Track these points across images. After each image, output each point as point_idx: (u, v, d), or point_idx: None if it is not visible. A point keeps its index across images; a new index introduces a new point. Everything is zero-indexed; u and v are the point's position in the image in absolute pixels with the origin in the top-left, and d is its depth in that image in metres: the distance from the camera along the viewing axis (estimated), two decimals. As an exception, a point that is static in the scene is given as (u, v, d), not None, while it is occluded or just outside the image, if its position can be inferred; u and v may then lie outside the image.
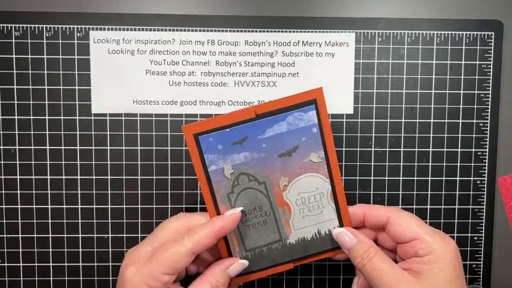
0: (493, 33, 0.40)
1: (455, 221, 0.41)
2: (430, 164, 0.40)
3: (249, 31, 0.39)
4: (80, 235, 0.40)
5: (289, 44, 0.39)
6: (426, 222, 0.40)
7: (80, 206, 0.40)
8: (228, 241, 0.35)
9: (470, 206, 0.41)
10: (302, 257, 0.36)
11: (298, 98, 0.33)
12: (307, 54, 0.40)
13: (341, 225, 0.35)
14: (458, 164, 0.41)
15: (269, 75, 0.40)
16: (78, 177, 0.40)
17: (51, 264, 0.40)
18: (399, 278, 0.31)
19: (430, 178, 0.41)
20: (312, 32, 0.39)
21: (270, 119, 0.33)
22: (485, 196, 0.41)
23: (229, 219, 0.33)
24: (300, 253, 0.36)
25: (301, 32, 0.39)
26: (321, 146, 0.34)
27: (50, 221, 0.40)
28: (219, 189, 0.34)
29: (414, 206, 0.41)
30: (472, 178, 0.41)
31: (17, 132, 0.39)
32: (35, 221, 0.40)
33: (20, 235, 0.40)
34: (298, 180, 0.34)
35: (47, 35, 0.39)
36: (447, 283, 0.31)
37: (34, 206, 0.40)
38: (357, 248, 0.33)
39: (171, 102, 0.40)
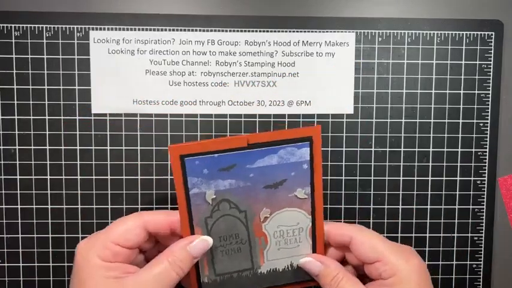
0: (493, 33, 0.40)
1: (455, 221, 0.41)
2: (430, 164, 0.40)
3: (249, 31, 0.39)
4: (80, 235, 0.40)
5: (289, 44, 0.39)
6: (426, 223, 0.41)
7: (79, 206, 0.40)
8: (198, 263, 0.34)
9: (470, 206, 0.41)
10: (271, 287, 0.35)
11: (294, 133, 0.32)
12: (307, 54, 0.40)
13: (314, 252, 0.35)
14: (459, 164, 0.41)
15: (269, 75, 0.40)
16: (78, 177, 0.40)
17: (51, 264, 0.40)
18: None
19: (430, 178, 0.41)
20: (312, 32, 0.39)
21: (261, 150, 0.32)
22: (485, 196, 0.41)
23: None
24: (269, 282, 0.35)
25: (301, 32, 0.39)
26: (308, 183, 0.34)
27: (50, 221, 0.40)
28: (197, 213, 0.33)
29: (414, 206, 0.41)
30: (472, 178, 0.41)
31: (17, 132, 0.39)
32: (34, 221, 0.40)
33: (20, 235, 0.40)
34: (280, 213, 0.34)
35: (47, 35, 0.39)
36: None
37: (34, 206, 0.40)
38: (325, 274, 0.33)
39: (171, 102, 0.40)
